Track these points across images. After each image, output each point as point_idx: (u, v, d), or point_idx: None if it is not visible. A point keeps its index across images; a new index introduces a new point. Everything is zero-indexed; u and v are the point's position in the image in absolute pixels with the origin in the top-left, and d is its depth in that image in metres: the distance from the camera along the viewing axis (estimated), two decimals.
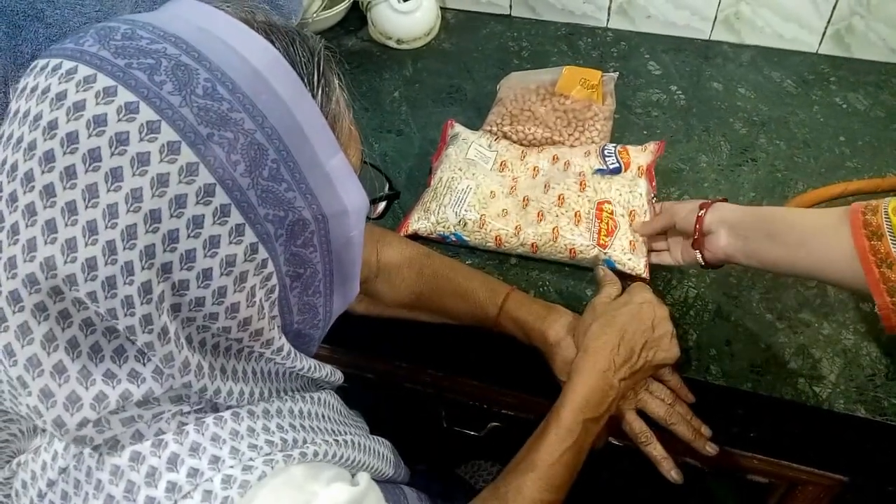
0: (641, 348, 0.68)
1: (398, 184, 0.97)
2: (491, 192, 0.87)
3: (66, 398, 0.40)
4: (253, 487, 0.42)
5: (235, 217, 0.40)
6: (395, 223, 0.89)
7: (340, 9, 1.24)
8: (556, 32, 1.24)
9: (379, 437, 0.62)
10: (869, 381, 0.73)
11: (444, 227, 0.85)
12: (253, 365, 0.47)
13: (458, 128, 0.97)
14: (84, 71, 0.38)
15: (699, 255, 0.73)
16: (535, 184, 0.88)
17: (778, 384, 0.74)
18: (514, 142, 0.97)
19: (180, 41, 0.40)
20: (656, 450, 0.71)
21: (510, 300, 0.74)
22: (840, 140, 1.01)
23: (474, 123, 1.02)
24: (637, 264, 0.81)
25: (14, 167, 0.38)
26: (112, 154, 0.37)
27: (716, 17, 1.18)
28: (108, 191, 0.37)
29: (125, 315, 0.38)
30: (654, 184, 0.89)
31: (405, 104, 1.10)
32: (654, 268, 0.83)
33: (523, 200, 0.86)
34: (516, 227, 0.83)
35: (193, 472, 0.42)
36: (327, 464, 0.48)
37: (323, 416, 0.53)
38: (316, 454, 0.47)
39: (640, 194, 0.85)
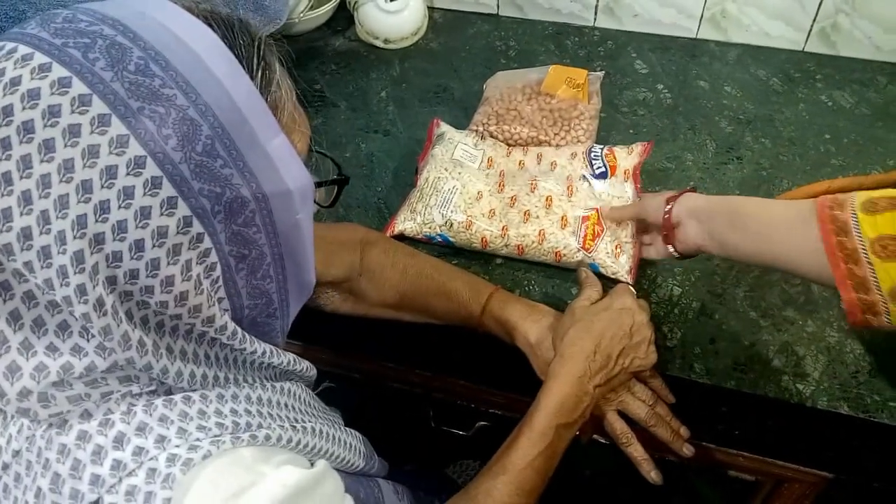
0: (618, 355, 0.68)
1: (385, 184, 0.97)
2: (478, 192, 0.87)
3: (6, 367, 0.41)
4: (197, 466, 0.43)
5: (167, 189, 0.40)
6: (381, 224, 0.89)
7: (327, 9, 1.24)
8: (544, 32, 1.24)
9: (352, 430, 0.62)
10: (852, 378, 0.74)
11: (430, 227, 0.85)
12: (206, 349, 0.48)
13: (444, 127, 0.97)
14: (23, 50, 0.39)
15: (671, 248, 0.73)
16: (523, 180, 0.88)
17: (762, 382, 0.74)
18: (501, 141, 0.97)
19: (118, 24, 0.41)
20: (637, 451, 0.71)
21: (493, 300, 0.74)
22: (825, 138, 1.01)
23: (461, 123, 1.02)
24: (621, 268, 0.81)
25: None
26: (45, 126, 0.38)
27: (702, 16, 1.18)
28: (42, 161, 0.38)
29: (61, 285, 0.39)
30: (639, 186, 0.89)
31: (392, 104, 1.10)
32: (639, 267, 0.83)
33: (510, 200, 0.86)
34: (503, 229, 0.83)
35: (139, 451, 0.43)
36: (281, 448, 0.49)
37: (286, 405, 0.54)
38: (268, 438, 0.47)
39: (627, 199, 0.86)
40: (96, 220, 0.39)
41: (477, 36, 1.24)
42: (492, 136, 0.97)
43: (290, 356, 0.57)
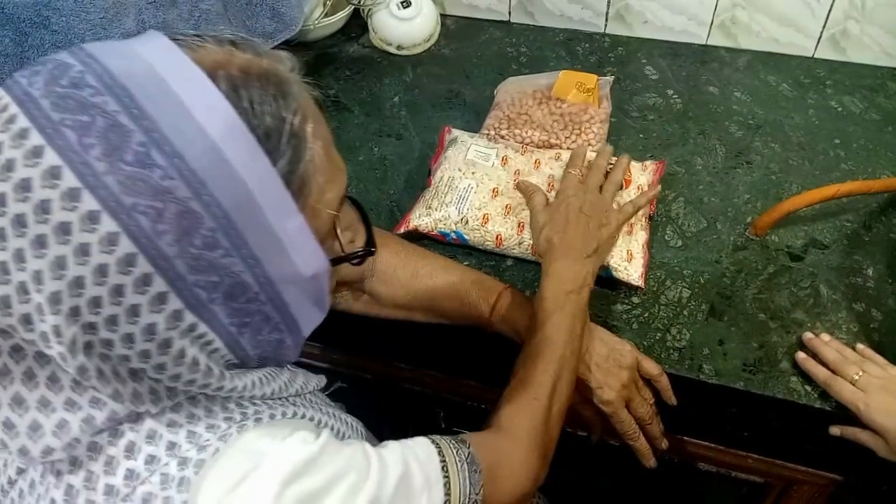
0: (587, 227, 0.76)
1: (397, 187, 0.98)
2: (493, 189, 0.88)
3: (29, 426, 0.42)
4: (207, 464, 0.44)
5: (158, 285, 0.40)
6: (392, 223, 0.91)
7: (342, 16, 1.26)
8: (555, 38, 1.26)
9: (351, 417, 0.64)
10: None
11: (444, 224, 0.86)
12: (206, 397, 0.49)
13: (456, 132, 0.99)
14: (21, 122, 0.38)
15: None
16: (540, 179, 0.89)
17: (771, 383, 0.75)
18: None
19: (125, 94, 0.39)
20: (642, 444, 0.75)
21: (502, 299, 0.75)
22: (835, 143, 1.02)
23: (473, 128, 1.03)
24: (633, 273, 0.82)
25: None
26: (36, 221, 0.37)
27: (712, 23, 1.19)
28: (34, 257, 0.38)
29: (71, 359, 0.40)
30: (653, 203, 0.90)
31: (405, 109, 1.12)
32: (648, 269, 0.84)
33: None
34: (519, 226, 0.85)
35: (150, 459, 0.43)
36: (287, 422, 0.50)
37: (287, 399, 0.54)
38: (273, 416, 0.49)
39: (640, 216, 0.87)
40: (89, 313, 0.39)
41: (489, 42, 1.26)
42: (503, 140, 0.98)
43: (299, 385, 0.56)
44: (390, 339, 0.86)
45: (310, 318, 0.52)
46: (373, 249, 0.56)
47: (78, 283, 0.38)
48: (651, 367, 0.74)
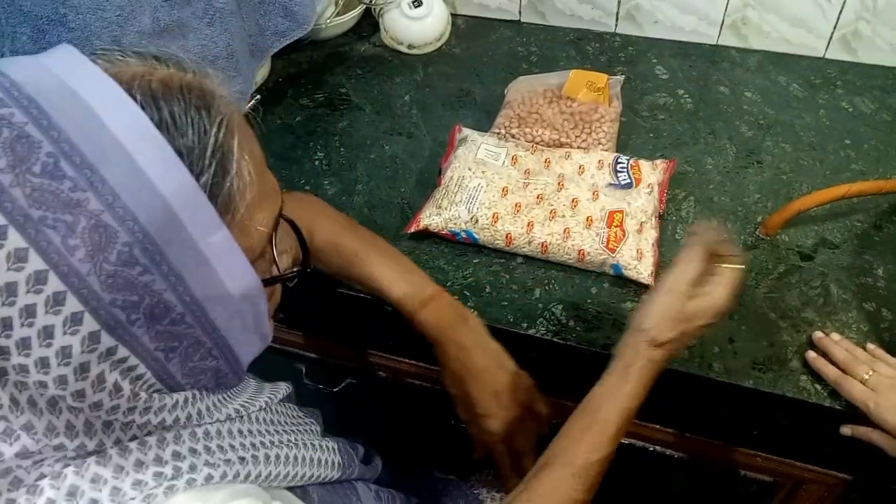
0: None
1: (408, 185, 0.99)
2: (503, 188, 0.89)
3: None
4: None
5: (72, 305, 0.38)
6: (404, 223, 0.91)
7: (353, 15, 1.26)
8: (565, 38, 1.26)
9: (326, 443, 0.60)
10: None
11: (455, 223, 0.87)
12: (141, 420, 0.45)
13: (466, 131, 0.99)
14: None
15: None
16: (550, 178, 0.90)
17: (780, 382, 0.75)
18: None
19: (33, 105, 0.37)
20: (507, 475, 0.74)
21: (436, 300, 0.73)
22: (846, 143, 1.02)
23: (483, 126, 1.03)
24: (643, 271, 0.82)
25: None
26: None
27: (723, 23, 1.19)
28: None
29: None
30: (663, 201, 0.91)
31: (416, 108, 1.13)
32: (658, 267, 0.84)
33: (537, 198, 0.88)
34: (528, 225, 0.85)
35: None
36: (227, 484, 0.46)
37: (239, 432, 0.51)
38: (210, 478, 0.45)
39: (648, 212, 0.87)
40: (0, 336, 0.37)
41: (499, 42, 1.26)
42: (514, 139, 0.99)
43: (263, 400, 0.55)
44: (399, 335, 0.87)
45: (246, 344, 0.49)
46: (308, 269, 0.55)
47: None
48: (542, 407, 0.74)
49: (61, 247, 0.37)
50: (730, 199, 0.94)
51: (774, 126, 1.05)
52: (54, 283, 0.37)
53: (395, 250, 0.79)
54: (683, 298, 0.61)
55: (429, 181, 0.98)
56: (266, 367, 0.62)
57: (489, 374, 0.71)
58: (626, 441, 0.92)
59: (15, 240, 0.36)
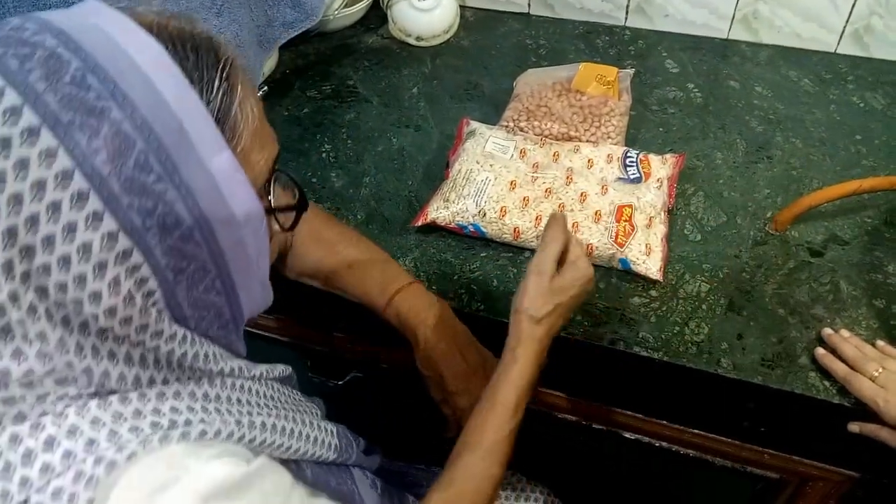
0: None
1: (416, 178, 0.98)
2: (511, 182, 0.88)
3: None
4: (120, 466, 0.43)
5: (94, 203, 0.41)
6: (412, 215, 0.91)
7: (361, 6, 1.26)
8: (574, 31, 1.25)
9: (327, 424, 0.63)
10: None
11: (462, 217, 0.87)
12: (150, 354, 0.47)
13: (474, 124, 0.99)
14: None
15: None
16: (559, 171, 0.89)
17: (789, 378, 0.74)
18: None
19: (62, 34, 0.42)
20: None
21: (403, 293, 0.75)
22: (856, 139, 1.01)
23: (491, 119, 1.03)
24: (652, 267, 0.82)
25: None
26: None
27: (734, 17, 1.18)
28: None
29: (5, 284, 0.40)
30: (673, 196, 0.90)
31: (423, 100, 1.12)
32: (667, 263, 0.84)
33: (545, 192, 0.87)
34: (536, 219, 0.85)
35: (67, 454, 0.43)
36: (220, 443, 0.48)
37: (238, 401, 0.53)
38: (204, 433, 0.47)
39: (658, 207, 0.87)
40: (26, 233, 0.40)
41: (508, 34, 1.26)
42: (522, 132, 0.98)
43: (263, 367, 0.57)
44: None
45: (248, 290, 0.52)
46: (305, 203, 0.58)
47: (17, 198, 0.39)
48: None
49: (86, 148, 0.40)
50: (739, 194, 0.93)
51: (785, 121, 1.04)
52: (79, 182, 0.40)
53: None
54: (552, 275, 0.67)
55: (436, 174, 0.97)
56: (270, 362, 0.62)
57: (459, 353, 0.74)
58: (632, 437, 0.92)
59: (46, 139, 0.39)
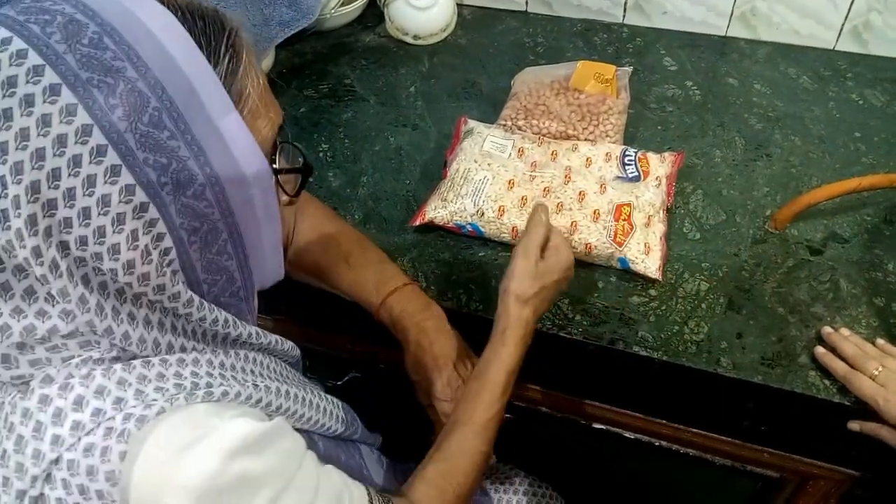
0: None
1: (413, 177, 0.98)
2: (509, 181, 0.88)
3: None
4: (151, 421, 0.45)
5: (111, 158, 0.43)
6: (409, 215, 0.90)
7: (358, 5, 1.25)
8: (572, 28, 1.25)
9: (332, 398, 0.65)
10: None
11: (460, 216, 0.86)
12: (167, 318, 0.49)
13: (472, 123, 0.98)
14: None
15: None
16: (557, 170, 0.89)
17: (789, 377, 0.74)
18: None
19: (80, 3, 0.44)
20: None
21: (397, 294, 0.76)
22: (856, 136, 1.01)
23: (489, 118, 1.02)
24: (650, 266, 0.82)
25: None
26: (3, 96, 0.41)
27: (732, 14, 1.18)
28: (0, 129, 0.40)
29: (19, 247, 0.41)
30: (671, 194, 0.90)
31: (421, 99, 1.12)
32: (666, 262, 0.83)
33: (544, 191, 0.87)
34: None
35: (97, 412, 0.45)
36: (238, 404, 0.50)
37: (251, 371, 0.55)
38: (225, 394, 0.49)
39: (657, 205, 0.86)
40: (49, 187, 0.41)
41: (505, 32, 1.25)
42: (520, 130, 0.98)
43: (274, 337, 0.59)
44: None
45: (259, 256, 0.53)
46: (310, 166, 0.59)
47: (39, 154, 0.41)
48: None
49: (104, 105, 0.42)
50: (739, 192, 0.93)
51: (784, 119, 1.04)
52: (98, 137, 0.42)
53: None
54: (536, 259, 0.70)
55: (434, 173, 0.97)
56: None
57: (449, 359, 0.75)
58: (632, 436, 0.92)
59: (67, 96, 0.41)
